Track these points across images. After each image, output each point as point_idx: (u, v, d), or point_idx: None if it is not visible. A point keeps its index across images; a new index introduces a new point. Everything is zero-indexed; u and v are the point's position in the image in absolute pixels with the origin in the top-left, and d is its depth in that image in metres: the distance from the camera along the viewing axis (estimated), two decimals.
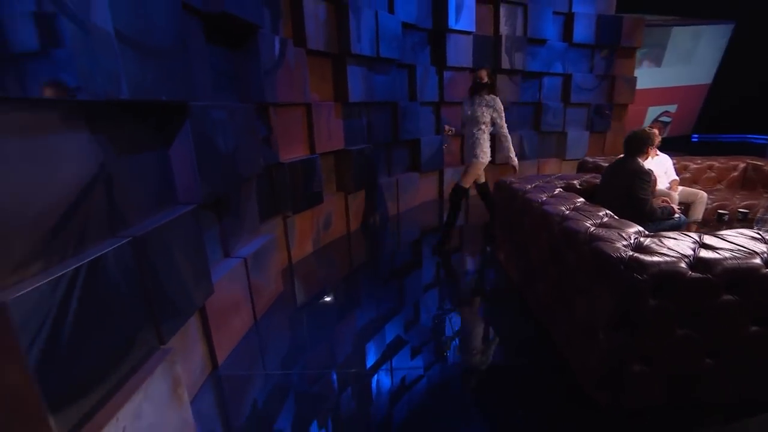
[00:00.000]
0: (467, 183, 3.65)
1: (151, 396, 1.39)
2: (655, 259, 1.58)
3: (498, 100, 3.53)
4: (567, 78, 6.03)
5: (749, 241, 1.69)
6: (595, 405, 1.77)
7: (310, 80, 3.72)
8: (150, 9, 1.48)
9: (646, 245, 1.70)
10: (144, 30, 1.44)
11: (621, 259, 1.61)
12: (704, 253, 1.61)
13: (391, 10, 4.52)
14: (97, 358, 1.23)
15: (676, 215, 2.77)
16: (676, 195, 3.40)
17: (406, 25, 4.74)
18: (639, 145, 2.66)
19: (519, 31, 5.54)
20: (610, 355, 1.68)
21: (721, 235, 1.77)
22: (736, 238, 1.73)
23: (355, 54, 3.98)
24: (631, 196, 2.63)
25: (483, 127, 3.53)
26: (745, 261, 1.57)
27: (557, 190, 2.80)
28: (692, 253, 1.61)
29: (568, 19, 5.85)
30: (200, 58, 2.13)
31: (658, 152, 3.99)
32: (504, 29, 5.44)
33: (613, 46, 6.08)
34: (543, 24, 5.60)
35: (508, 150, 3.58)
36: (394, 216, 5.03)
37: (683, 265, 1.57)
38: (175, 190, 1.88)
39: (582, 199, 2.52)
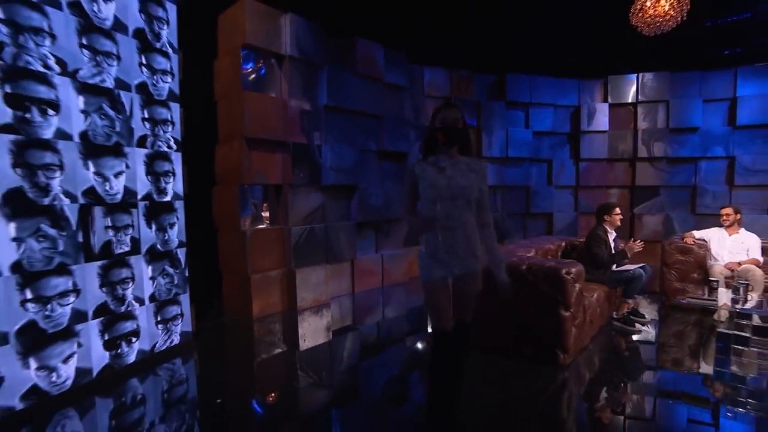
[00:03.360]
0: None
1: (314, 273, 4.48)
2: (513, 259, 3.34)
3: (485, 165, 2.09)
4: (732, 161, 6.02)
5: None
6: None
7: None
8: (344, 156, 4.78)
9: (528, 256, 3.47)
10: (339, 161, 4.74)
11: None
12: (538, 261, 3.22)
13: (526, 126, 6.68)
14: (307, 253, 4.42)
15: (631, 270, 3.68)
16: (635, 247, 3.75)
17: (542, 133, 6.71)
18: (598, 214, 3.93)
19: (661, 124, 6.29)
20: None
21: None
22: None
23: (486, 156, 6.40)
24: (589, 251, 3.86)
25: (472, 208, 2.00)
26: (549, 267, 3.10)
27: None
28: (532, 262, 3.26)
29: (732, 104, 6.04)
30: (373, 166, 5.32)
31: (740, 230, 4.26)
32: (642, 124, 6.37)
33: None
34: (690, 114, 6.13)
35: (496, 251, 2.06)
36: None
37: (523, 264, 3.23)
38: (351, 216, 5.06)
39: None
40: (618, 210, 3.90)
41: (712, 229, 4.45)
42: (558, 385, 2.77)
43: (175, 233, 3.25)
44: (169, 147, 3.21)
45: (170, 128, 3.20)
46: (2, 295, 2.19)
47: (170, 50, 3.20)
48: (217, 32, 4.21)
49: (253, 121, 4.03)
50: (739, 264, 3.97)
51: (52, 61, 2.40)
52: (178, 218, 3.27)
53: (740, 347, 2.94)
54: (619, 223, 3.91)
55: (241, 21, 3.99)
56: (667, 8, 3.81)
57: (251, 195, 4.34)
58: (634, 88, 6.44)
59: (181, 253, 3.32)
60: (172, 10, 3.20)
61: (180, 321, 3.31)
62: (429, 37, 5.90)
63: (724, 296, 3.24)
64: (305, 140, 4.47)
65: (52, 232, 2.41)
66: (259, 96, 4.20)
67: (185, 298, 3.36)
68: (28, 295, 2.31)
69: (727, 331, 3.02)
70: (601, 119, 6.55)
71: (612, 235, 3.91)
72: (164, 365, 3.12)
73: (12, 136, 2.22)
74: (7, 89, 2.19)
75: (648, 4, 3.89)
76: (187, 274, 3.37)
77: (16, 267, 2.26)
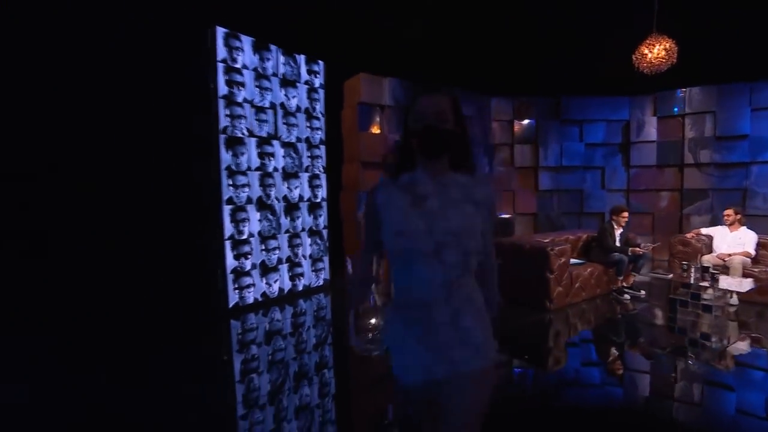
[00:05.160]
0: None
1: None
2: (520, 242, 5.14)
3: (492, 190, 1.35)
4: None
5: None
6: None
7: (518, 179, 8.03)
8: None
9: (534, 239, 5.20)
10: None
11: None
12: (536, 242, 4.98)
13: (580, 139, 7.93)
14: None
15: (617, 256, 5.06)
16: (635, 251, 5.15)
17: (594, 144, 7.89)
18: (611, 212, 5.34)
19: (708, 132, 7.03)
20: None
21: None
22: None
23: (543, 166, 7.86)
24: (599, 240, 5.33)
25: (475, 252, 1.24)
26: (540, 245, 4.84)
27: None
28: (532, 243, 5.02)
29: None
30: None
31: (741, 228, 5.26)
32: (690, 133, 7.17)
33: None
34: (738, 123, 6.79)
35: (494, 300, 1.38)
36: None
37: (526, 244, 4.99)
38: None
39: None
40: (625, 214, 5.28)
41: (718, 226, 5.50)
42: (542, 319, 4.48)
43: (322, 220, 5.67)
44: (320, 171, 5.63)
45: (320, 160, 5.62)
46: (255, 247, 4.77)
47: (320, 115, 5.62)
48: (342, 94, 6.59)
49: (365, 150, 6.30)
50: (729, 255, 5.05)
51: (273, 134, 4.94)
52: (323, 212, 5.68)
53: (681, 308, 4.28)
54: (623, 223, 5.27)
55: (358, 87, 6.29)
56: (661, 55, 5.07)
57: (364, 198, 6.64)
58: (681, 102, 7.27)
59: (325, 233, 5.73)
60: (321, 93, 5.61)
61: (323, 272, 5.73)
62: (496, 72, 7.62)
63: (693, 276, 4.54)
64: None
65: (271, 217, 4.95)
66: (369, 134, 6.47)
67: (326, 259, 5.77)
68: (263, 247, 4.87)
69: (675, 297, 4.36)
70: (650, 131, 7.51)
71: (618, 231, 5.30)
72: (314, 296, 5.55)
73: (259, 172, 4.78)
74: (259, 150, 4.75)
75: (646, 51, 5.18)
76: (327, 245, 5.77)
77: (259, 233, 4.82)
